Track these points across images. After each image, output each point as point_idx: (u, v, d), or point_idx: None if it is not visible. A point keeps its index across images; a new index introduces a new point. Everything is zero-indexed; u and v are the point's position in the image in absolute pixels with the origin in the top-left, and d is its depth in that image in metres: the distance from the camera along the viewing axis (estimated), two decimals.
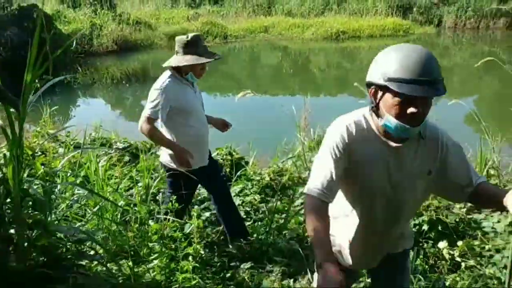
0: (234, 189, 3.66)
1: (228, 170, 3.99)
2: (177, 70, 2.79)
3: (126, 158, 4.59)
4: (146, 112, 2.71)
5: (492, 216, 2.99)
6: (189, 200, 3.05)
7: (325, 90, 13.06)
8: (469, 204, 3.09)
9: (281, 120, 4.46)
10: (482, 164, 3.40)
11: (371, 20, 21.28)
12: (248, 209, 3.46)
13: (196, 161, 2.87)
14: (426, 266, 2.72)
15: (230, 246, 2.92)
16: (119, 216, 2.70)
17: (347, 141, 1.58)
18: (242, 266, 2.76)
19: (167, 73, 2.82)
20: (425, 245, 2.91)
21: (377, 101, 1.54)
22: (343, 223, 1.76)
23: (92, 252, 1.92)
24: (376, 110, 1.56)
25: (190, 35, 2.78)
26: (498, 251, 2.75)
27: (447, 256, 2.77)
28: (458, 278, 2.58)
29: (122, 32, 18.02)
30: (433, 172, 1.62)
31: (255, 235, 3.10)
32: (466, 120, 6.74)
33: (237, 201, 3.45)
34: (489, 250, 2.79)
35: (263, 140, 6.07)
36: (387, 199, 1.62)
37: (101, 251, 2.08)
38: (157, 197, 2.90)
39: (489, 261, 2.71)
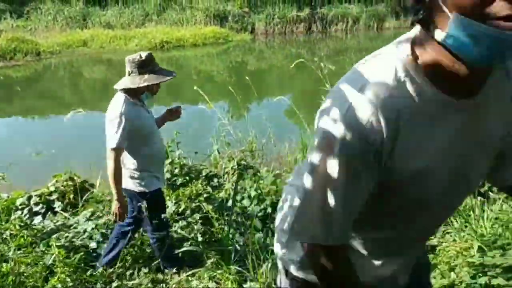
0: (84, 214, 3.48)
1: (71, 196, 3.74)
2: (130, 92, 2.67)
3: None
4: (111, 144, 2.57)
5: None
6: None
7: (159, 100, 13.10)
8: None
9: None
10: (304, 150, 4.05)
11: (192, 29, 22.17)
12: (103, 231, 3.35)
13: (159, 182, 2.86)
14: None
15: (99, 267, 2.82)
16: None
17: (378, 141, 0.81)
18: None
19: (120, 97, 2.67)
20: (271, 225, 3.36)
21: None
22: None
23: None
24: (426, 23, 0.80)
25: (144, 54, 2.67)
26: None
27: None
28: None
29: None
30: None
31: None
32: (287, 113, 7.73)
33: (90, 225, 3.31)
34: None
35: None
36: (442, 196, 0.93)
37: None
38: None
39: None
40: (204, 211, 3.20)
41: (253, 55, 20.42)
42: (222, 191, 3.51)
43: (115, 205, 2.69)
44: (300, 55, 19.92)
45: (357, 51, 20.86)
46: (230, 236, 2.96)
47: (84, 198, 3.67)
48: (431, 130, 0.83)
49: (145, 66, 2.65)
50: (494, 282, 1.95)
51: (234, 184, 3.47)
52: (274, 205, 3.41)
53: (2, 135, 9.52)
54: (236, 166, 4.29)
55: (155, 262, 2.96)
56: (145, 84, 2.62)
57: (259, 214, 3.37)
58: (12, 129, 10.25)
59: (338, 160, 0.82)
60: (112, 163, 2.57)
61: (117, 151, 2.58)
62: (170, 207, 3.38)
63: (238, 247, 2.89)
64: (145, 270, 2.93)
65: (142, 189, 2.76)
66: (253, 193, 3.24)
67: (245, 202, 3.27)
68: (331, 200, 0.87)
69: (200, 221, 3.26)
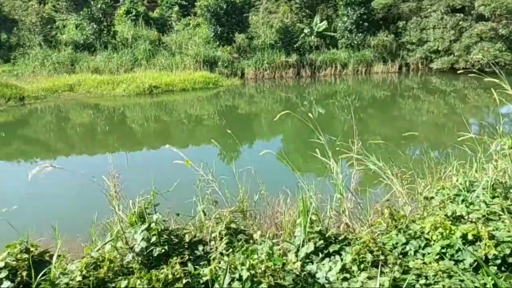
0: None
1: (25, 274, 3.06)
2: None
3: None
4: None
5: (323, 264, 3.03)
6: None
7: (146, 144, 12.67)
8: (302, 255, 3.08)
9: (94, 191, 3.89)
10: (305, 214, 3.43)
11: (182, 74, 22.08)
12: None
13: None
14: None
15: None
16: None
17: None
18: None
19: None
20: None
21: None
22: None
23: None
24: None
25: None
26: None
27: None
28: None
29: None
30: None
31: None
32: (280, 155, 7.20)
33: None
34: None
35: (74, 220, 5.18)
36: None
37: None
38: None
39: None
40: None
41: (243, 99, 20.24)
42: (207, 268, 2.88)
43: None
44: (289, 99, 19.80)
45: (346, 95, 20.87)
46: None
47: (38, 278, 3.00)
48: None
49: None
50: None
51: (220, 261, 2.86)
52: None
53: None
54: (225, 230, 3.68)
55: None
56: None
57: None
58: None
59: None
60: None
61: None
62: None
63: None
64: None
65: None
66: (245, 274, 2.62)
67: (236, 286, 2.65)
68: None
69: None
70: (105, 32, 25.55)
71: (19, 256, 3.24)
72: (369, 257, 2.84)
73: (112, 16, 26.60)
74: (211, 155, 9.71)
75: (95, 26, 25.27)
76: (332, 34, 28.12)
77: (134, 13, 28.98)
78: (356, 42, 26.86)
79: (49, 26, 26.20)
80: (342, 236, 3.19)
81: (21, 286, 3.11)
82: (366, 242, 2.93)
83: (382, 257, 2.92)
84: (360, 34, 26.80)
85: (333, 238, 3.22)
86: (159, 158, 10.40)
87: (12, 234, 4.01)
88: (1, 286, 3.11)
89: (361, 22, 26.78)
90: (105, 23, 25.50)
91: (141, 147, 12.37)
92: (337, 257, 3.09)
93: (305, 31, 28.09)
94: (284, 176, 7.16)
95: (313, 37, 27.93)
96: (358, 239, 3.10)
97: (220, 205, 4.26)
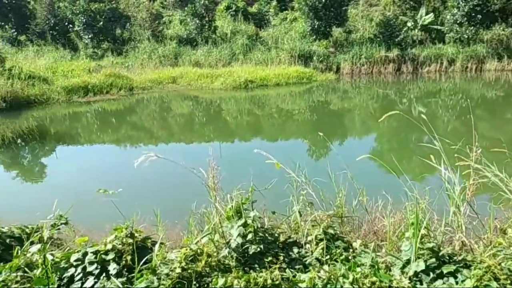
0: None
1: (129, 258, 3.21)
2: None
3: None
4: None
5: (435, 286, 2.68)
6: None
7: (239, 136, 12.96)
8: (410, 273, 2.76)
9: (192, 180, 3.98)
10: (417, 224, 3.05)
11: (276, 69, 22.17)
12: None
13: None
14: None
15: None
16: None
17: None
18: None
19: None
20: None
21: None
22: None
23: None
24: None
25: None
26: None
27: None
28: None
29: (12, 87, 16.35)
30: None
31: None
32: (375, 153, 6.77)
33: None
34: None
35: (173, 207, 5.40)
36: None
37: None
38: None
39: None
40: None
41: (336, 94, 19.68)
42: (305, 275, 2.73)
43: None
44: (387, 96, 18.73)
45: (452, 94, 19.12)
46: None
47: (141, 264, 3.12)
48: None
49: None
50: None
51: (320, 270, 2.67)
52: None
53: (85, 163, 9.79)
54: (322, 235, 3.49)
55: None
56: None
57: None
58: (98, 157, 10.59)
59: None
60: None
61: None
62: None
63: None
64: None
65: None
66: None
67: None
68: None
69: None
70: (206, 27, 26.72)
71: (124, 240, 3.41)
72: (494, 285, 2.44)
73: (214, 12, 27.71)
74: (300, 150, 9.52)
75: (197, 21, 26.56)
76: (439, 27, 25.96)
77: (234, 9, 29.84)
78: (466, 36, 24.46)
79: (157, 22, 28.21)
80: (460, 257, 2.80)
81: (125, 269, 3.27)
82: (491, 267, 2.52)
83: (510, 287, 2.49)
84: (472, 28, 24.33)
85: (447, 258, 2.84)
86: (250, 151, 10.52)
87: (114, 215, 4.27)
88: (108, 268, 3.30)
89: (473, 14, 24.29)
90: (206, 19, 26.67)
91: (233, 139, 12.69)
92: (451, 279, 2.71)
93: (408, 24, 26.35)
94: (380, 178, 6.70)
95: (417, 30, 26.10)
96: (480, 262, 2.69)
97: (315, 208, 4.07)
